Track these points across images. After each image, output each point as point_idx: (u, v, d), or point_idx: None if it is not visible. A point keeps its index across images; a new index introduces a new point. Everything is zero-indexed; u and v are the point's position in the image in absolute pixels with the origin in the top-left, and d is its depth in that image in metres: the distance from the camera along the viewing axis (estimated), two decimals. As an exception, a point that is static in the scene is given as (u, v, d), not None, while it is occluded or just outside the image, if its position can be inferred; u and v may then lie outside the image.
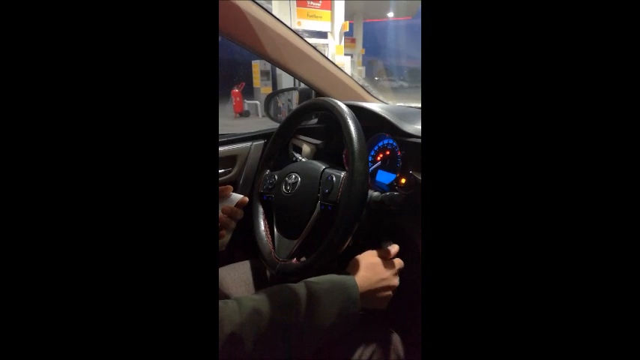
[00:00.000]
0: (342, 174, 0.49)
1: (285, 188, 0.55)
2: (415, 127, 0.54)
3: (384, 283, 0.46)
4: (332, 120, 0.76)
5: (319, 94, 0.86)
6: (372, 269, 0.46)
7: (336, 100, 0.49)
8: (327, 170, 0.52)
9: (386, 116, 0.56)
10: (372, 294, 0.45)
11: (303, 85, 0.94)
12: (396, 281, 0.48)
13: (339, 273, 0.45)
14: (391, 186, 0.62)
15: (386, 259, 0.48)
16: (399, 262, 0.50)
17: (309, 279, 0.43)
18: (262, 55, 0.74)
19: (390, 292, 0.47)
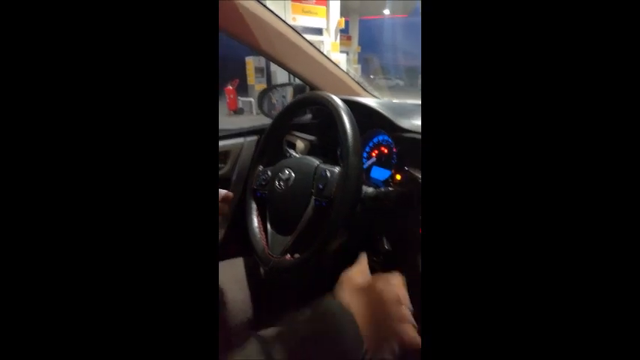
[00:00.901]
0: (337, 169, 0.49)
1: (279, 184, 0.54)
2: (411, 123, 0.53)
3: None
4: (326, 115, 0.75)
5: (314, 89, 0.85)
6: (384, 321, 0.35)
7: (330, 94, 0.48)
8: (321, 166, 0.52)
9: (381, 111, 0.55)
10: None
11: (297, 81, 0.93)
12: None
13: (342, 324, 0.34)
14: (386, 182, 0.62)
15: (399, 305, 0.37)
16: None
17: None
18: (256, 48, 0.73)
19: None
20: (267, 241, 0.54)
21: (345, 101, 0.48)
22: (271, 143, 0.63)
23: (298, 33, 0.79)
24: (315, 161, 0.53)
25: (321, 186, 0.47)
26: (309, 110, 0.82)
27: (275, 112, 1.00)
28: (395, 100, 0.92)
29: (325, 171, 0.49)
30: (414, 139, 0.51)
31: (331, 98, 0.47)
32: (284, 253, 0.50)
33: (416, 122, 0.53)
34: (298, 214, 0.50)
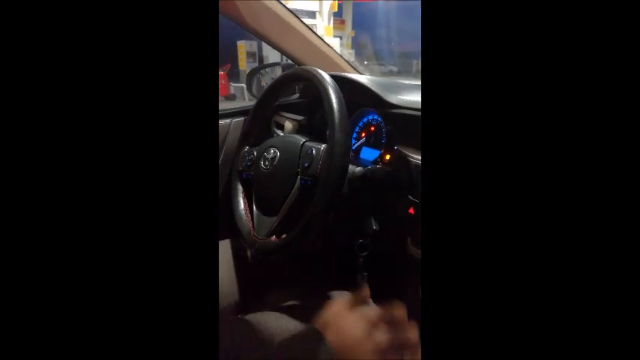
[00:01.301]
0: (323, 146, 0.47)
1: (264, 164, 0.53)
2: (400, 98, 0.51)
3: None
4: (314, 94, 0.72)
5: (303, 68, 0.83)
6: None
7: (316, 69, 0.46)
8: (307, 143, 0.50)
9: (370, 87, 0.53)
10: None
11: (287, 61, 0.90)
12: None
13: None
14: (375, 162, 0.60)
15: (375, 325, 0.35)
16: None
17: None
18: (246, 26, 0.70)
19: None
20: (253, 223, 0.52)
21: (333, 77, 0.45)
22: (257, 123, 0.61)
23: (291, 12, 0.75)
24: (302, 139, 0.51)
25: (306, 164, 0.46)
26: (297, 89, 0.80)
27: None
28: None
29: (311, 149, 0.47)
30: (404, 114, 0.50)
31: (317, 72, 0.45)
32: (270, 234, 0.49)
33: (405, 97, 0.51)
34: (284, 195, 0.48)
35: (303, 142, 0.50)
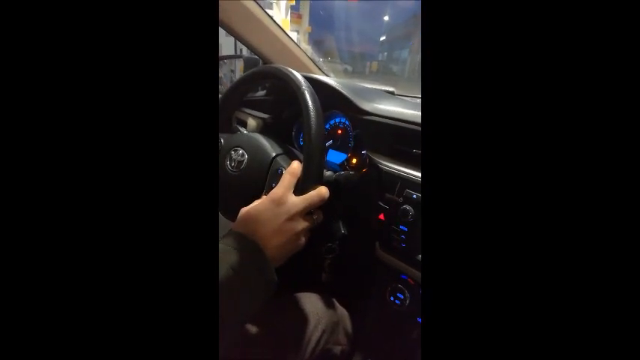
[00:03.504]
0: None
1: (231, 165, 0.50)
2: (373, 106, 0.52)
3: (295, 244, 0.39)
4: (283, 92, 0.70)
5: (267, 63, 0.80)
6: (284, 234, 0.37)
7: (291, 70, 0.44)
8: (277, 160, 0.47)
9: (343, 91, 0.53)
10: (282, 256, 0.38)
11: (248, 54, 0.86)
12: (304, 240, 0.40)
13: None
14: (342, 166, 0.61)
15: (301, 213, 0.39)
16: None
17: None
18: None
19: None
20: None
21: (305, 78, 0.44)
22: (220, 119, 0.57)
23: (258, 4, 0.72)
24: (272, 152, 0.48)
25: (273, 184, 0.43)
26: (261, 87, 0.77)
27: (222, 87, 0.92)
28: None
29: (282, 169, 0.45)
30: (375, 122, 0.51)
31: (293, 75, 0.43)
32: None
33: (379, 106, 0.52)
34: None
35: (274, 157, 0.47)
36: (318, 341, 0.53)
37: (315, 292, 0.61)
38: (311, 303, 0.57)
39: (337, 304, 0.62)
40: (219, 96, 0.56)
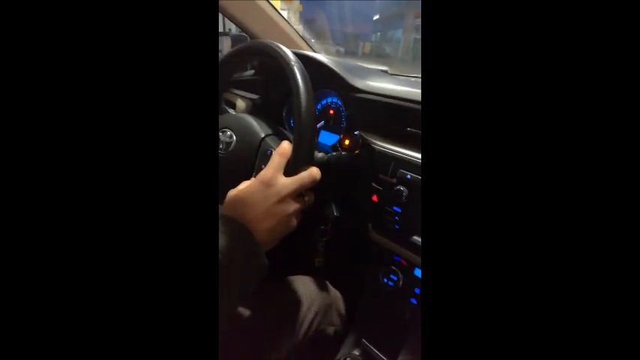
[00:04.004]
0: None
1: (219, 145, 0.48)
2: (366, 83, 0.50)
3: (286, 226, 0.38)
4: (272, 71, 0.67)
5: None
6: (274, 216, 0.36)
7: (280, 45, 0.42)
8: (267, 140, 0.46)
9: (334, 68, 0.51)
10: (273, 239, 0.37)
11: (236, 31, 0.82)
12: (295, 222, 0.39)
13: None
14: (334, 147, 0.60)
15: (293, 195, 0.38)
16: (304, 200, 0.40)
17: None
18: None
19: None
20: None
21: (295, 55, 0.42)
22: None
23: None
24: (261, 132, 0.47)
25: (263, 166, 0.42)
26: (250, 65, 0.73)
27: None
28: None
29: (271, 150, 0.44)
30: (368, 100, 0.49)
31: (282, 50, 0.41)
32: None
33: (372, 83, 0.50)
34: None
35: (263, 138, 0.46)
36: (312, 323, 0.54)
37: (308, 274, 0.61)
38: (304, 285, 0.57)
39: (330, 286, 0.62)
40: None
